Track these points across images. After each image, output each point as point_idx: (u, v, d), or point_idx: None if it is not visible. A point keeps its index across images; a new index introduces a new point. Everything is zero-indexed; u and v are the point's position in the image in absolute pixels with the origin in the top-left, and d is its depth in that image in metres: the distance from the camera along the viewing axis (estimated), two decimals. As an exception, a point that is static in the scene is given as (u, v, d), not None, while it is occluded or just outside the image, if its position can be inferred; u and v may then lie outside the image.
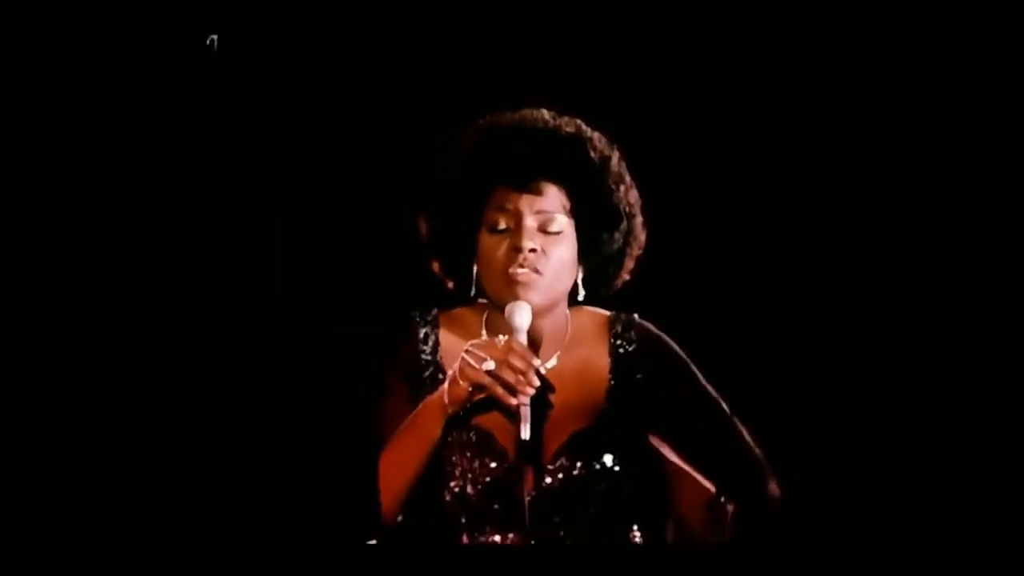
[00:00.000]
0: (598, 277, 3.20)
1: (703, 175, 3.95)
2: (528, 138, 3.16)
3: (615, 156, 3.18)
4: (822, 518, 3.44)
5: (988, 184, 3.76)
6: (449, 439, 3.09)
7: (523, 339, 3.07)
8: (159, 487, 3.42)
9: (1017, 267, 3.73)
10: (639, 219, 3.21)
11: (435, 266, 3.21)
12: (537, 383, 3.03)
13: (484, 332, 3.18)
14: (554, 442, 3.10)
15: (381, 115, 3.92)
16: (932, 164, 3.80)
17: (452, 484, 3.09)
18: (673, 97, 3.93)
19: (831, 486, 3.58)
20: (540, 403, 3.07)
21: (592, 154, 3.15)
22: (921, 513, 3.78)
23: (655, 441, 3.14)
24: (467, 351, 3.05)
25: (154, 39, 3.51)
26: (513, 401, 3.02)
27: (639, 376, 3.17)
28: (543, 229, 3.12)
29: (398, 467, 3.09)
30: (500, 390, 3.03)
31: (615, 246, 3.18)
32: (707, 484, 3.14)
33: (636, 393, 3.16)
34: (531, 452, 3.08)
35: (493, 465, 3.10)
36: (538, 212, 3.12)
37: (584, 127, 3.18)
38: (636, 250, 3.22)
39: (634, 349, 3.18)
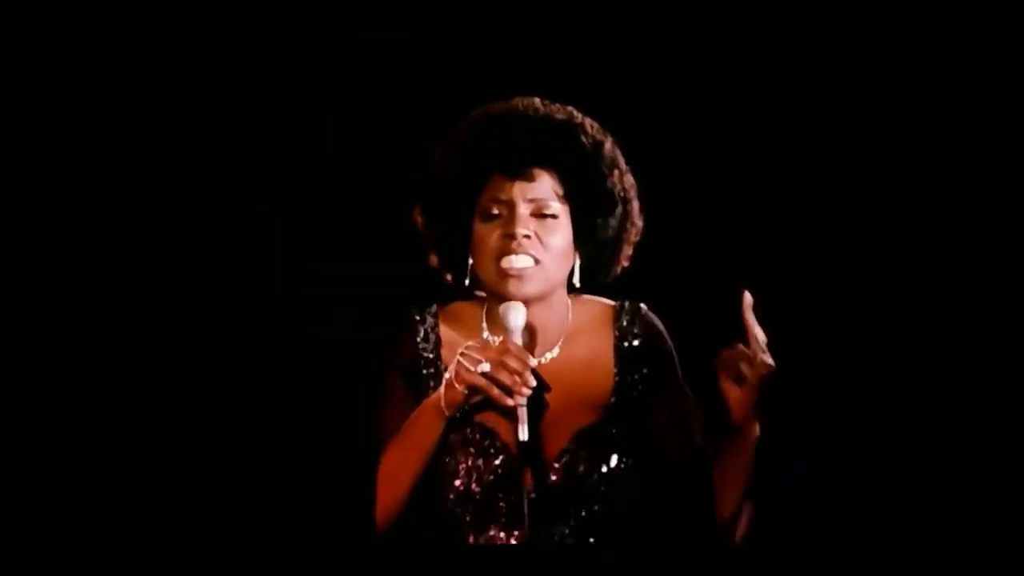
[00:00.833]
0: (595, 265, 3.18)
1: (702, 172, 3.95)
2: (519, 126, 3.15)
3: (608, 142, 3.17)
4: (822, 518, 3.45)
5: (988, 184, 3.76)
6: (453, 437, 3.09)
7: (518, 339, 3.06)
8: (159, 487, 3.42)
9: (1017, 267, 3.73)
10: (635, 204, 3.18)
11: (433, 259, 3.20)
12: (533, 383, 3.02)
13: (484, 325, 3.17)
14: (559, 439, 3.09)
15: (381, 115, 3.92)
16: (929, 160, 3.80)
17: (456, 482, 3.09)
18: (673, 96, 3.93)
19: (829, 486, 3.58)
20: (538, 402, 3.06)
21: (584, 139, 3.14)
22: (921, 513, 3.78)
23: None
24: (462, 353, 3.04)
25: (154, 39, 3.52)
26: (510, 402, 3.01)
27: (645, 371, 3.15)
28: (537, 215, 3.11)
29: (397, 471, 3.08)
30: (496, 392, 3.02)
31: (611, 232, 3.16)
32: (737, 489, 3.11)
33: (641, 387, 3.15)
34: (535, 449, 3.07)
35: (498, 463, 3.09)
36: (531, 199, 3.11)
37: (576, 113, 3.16)
38: (633, 236, 3.20)
39: (640, 343, 3.17)
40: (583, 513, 3.07)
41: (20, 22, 3.42)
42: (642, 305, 3.19)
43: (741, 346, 3.06)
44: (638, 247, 3.21)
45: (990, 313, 3.75)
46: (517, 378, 3.01)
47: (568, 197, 3.13)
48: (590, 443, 3.09)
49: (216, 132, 3.88)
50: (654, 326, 3.19)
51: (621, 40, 3.88)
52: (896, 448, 3.83)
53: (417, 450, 3.07)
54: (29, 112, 3.43)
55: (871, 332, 3.87)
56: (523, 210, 3.10)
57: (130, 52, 3.49)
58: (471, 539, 3.07)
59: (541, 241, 3.09)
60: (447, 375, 3.06)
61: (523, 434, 3.01)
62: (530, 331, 3.10)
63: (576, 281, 3.15)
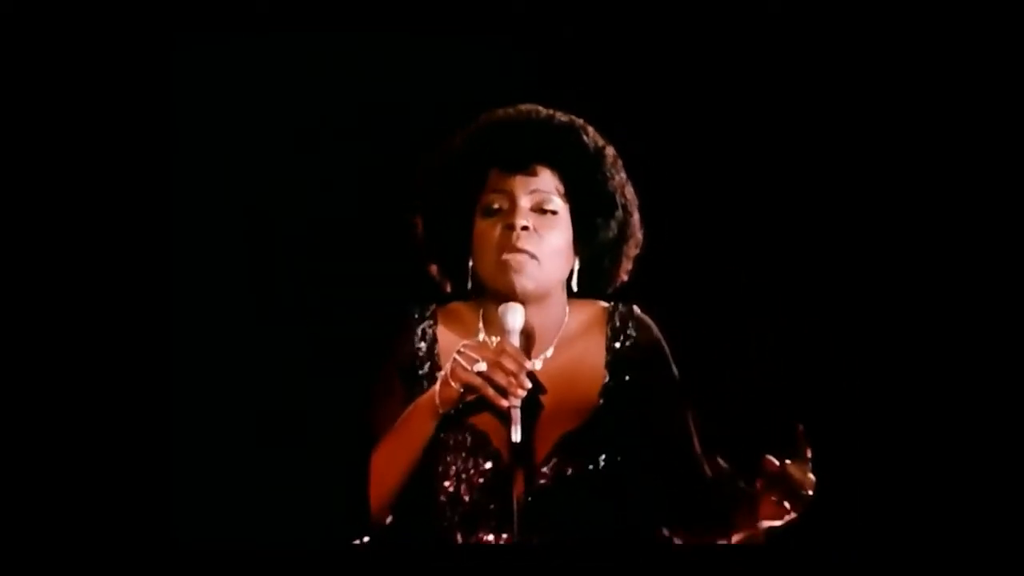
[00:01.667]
0: (594, 270, 3.18)
1: (704, 177, 3.95)
2: (522, 125, 3.15)
3: (610, 149, 3.18)
4: (822, 518, 3.45)
5: (988, 184, 3.76)
6: (443, 439, 3.09)
7: (515, 340, 3.06)
8: (159, 487, 3.42)
9: (1016, 267, 3.74)
10: (636, 216, 3.19)
11: (432, 268, 3.20)
12: (528, 385, 3.02)
13: (482, 327, 3.17)
14: (546, 442, 3.09)
15: (381, 115, 3.93)
16: (929, 161, 3.81)
17: (446, 484, 3.08)
18: (673, 97, 3.93)
19: (830, 486, 3.58)
20: (532, 405, 3.06)
21: (586, 139, 3.15)
22: (921, 513, 3.78)
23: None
24: (459, 352, 3.04)
25: (154, 39, 3.52)
26: (504, 403, 3.01)
27: (637, 371, 3.15)
28: (537, 210, 3.11)
29: (388, 467, 3.08)
30: (491, 392, 3.01)
31: (610, 235, 3.16)
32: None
33: (632, 389, 3.15)
34: (524, 453, 3.06)
35: (487, 466, 3.08)
36: (532, 192, 3.11)
37: (578, 119, 3.18)
38: (633, 248, 3.20)
39: (632, 344, 3.17)
40: (573, 515, 3.06)
41: (20, 22, 3.42)
42: (635, 306, 3.20)
43: (794, 472, 2.90)
44: (637, 261, 3.21)
45: (990, 313, 3.75)
46: (513, 380, 3.00)
47: (569, 196, 3.13)
48: (579, 445, 3.09)
49: (216, 132, 3.88)
50: (647, 327, 3.19)
51: (621, 40, 3.89)
52: (896, 448, 3.84)
53: (409, 446, 3.06)
54: (29, 112, 3.43)
55: (871, 332, 3.88)
56: (524, 203, 3.10)
57: (130, 52, 3.49)
58: (460, 541, 3.07)
59: (541, 236, 3.09)
60: (443, 372, 3.06)
61: (516, 435, 3.01)
62: (527, 333, 3.10)
63: (574, 286, 3.15)
